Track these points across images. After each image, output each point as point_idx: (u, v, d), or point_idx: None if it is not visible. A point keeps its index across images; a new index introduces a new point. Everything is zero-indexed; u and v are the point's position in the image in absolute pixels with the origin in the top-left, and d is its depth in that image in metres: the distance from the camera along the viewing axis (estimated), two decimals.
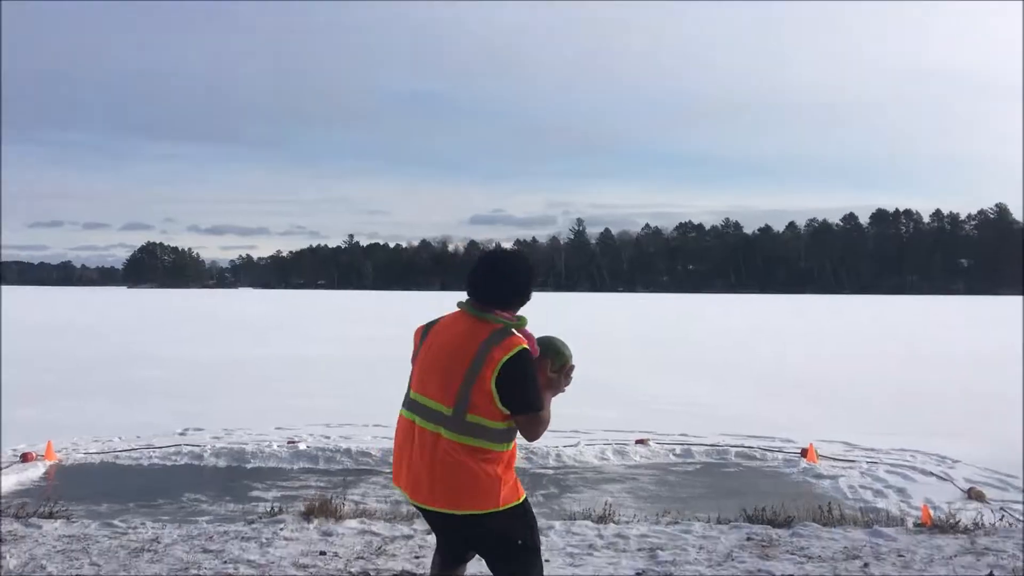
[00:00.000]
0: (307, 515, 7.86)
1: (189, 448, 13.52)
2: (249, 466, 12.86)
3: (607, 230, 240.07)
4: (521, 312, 4.73)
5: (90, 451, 13.71)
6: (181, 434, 15.53)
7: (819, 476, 12.47)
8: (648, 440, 14.29)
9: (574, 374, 4.86)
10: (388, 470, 12.71)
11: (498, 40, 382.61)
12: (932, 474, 12.66)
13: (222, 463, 13.01)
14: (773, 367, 28.42)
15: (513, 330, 4.41)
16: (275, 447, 13.50)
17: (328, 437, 15.24)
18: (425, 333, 4.59)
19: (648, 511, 10.12)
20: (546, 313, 74.70)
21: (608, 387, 22.35)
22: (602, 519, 8.08)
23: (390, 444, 15.12)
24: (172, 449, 13.51)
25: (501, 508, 4.29)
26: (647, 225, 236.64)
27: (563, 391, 4.75)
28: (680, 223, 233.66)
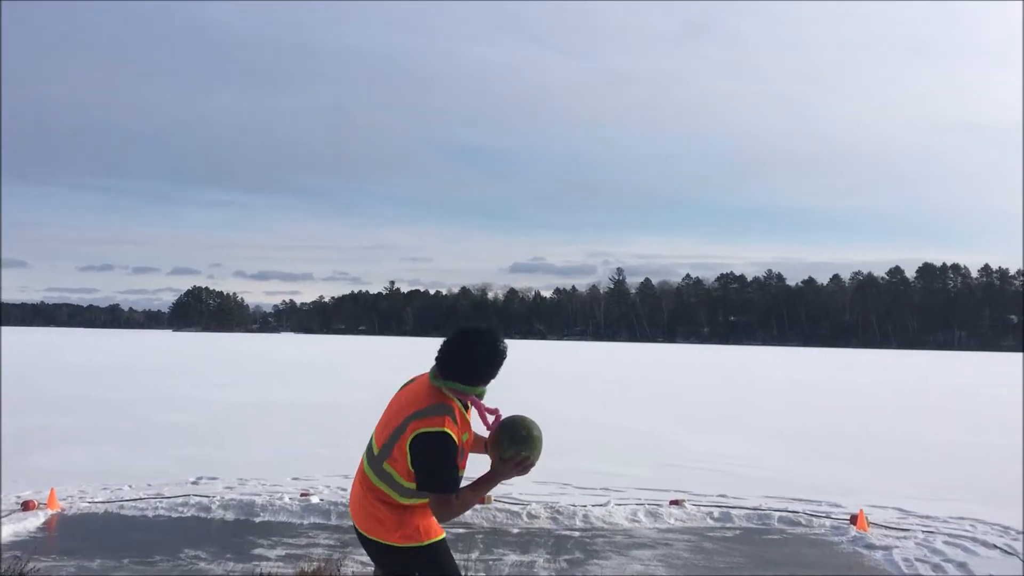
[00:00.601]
0: None
1: (197, 499, 12.85)
2: (258, 520, 12.14)
3: (647, 280, 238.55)
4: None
5: (96, 499, 13.10)
6: (193, 483, 14.90)
7: (870, 547, 11.42)
8: (684, 501, 13.34)
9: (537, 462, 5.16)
10: None
11: (543, 93, 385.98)
12: (995, 546, 11.55)
13: (230, 516, 12.30)
14: (819, 424, 27.16)
15: (454, 409, 4.70)
16: (287, 499, 12.78)
17: (344, 489, 14.49)
18: (403, 385, 5.13)
19: None
20: (583, 362, 73.69)
21: (642, 442, 21.41)
22: None
23: None
24: (180, 500, 12.85)
25: (401, 545, 4.80)
26: (688, 275, 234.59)
27: (508, 480, 5.13)
28: (722, 274, 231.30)
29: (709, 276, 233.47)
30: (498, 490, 14.92)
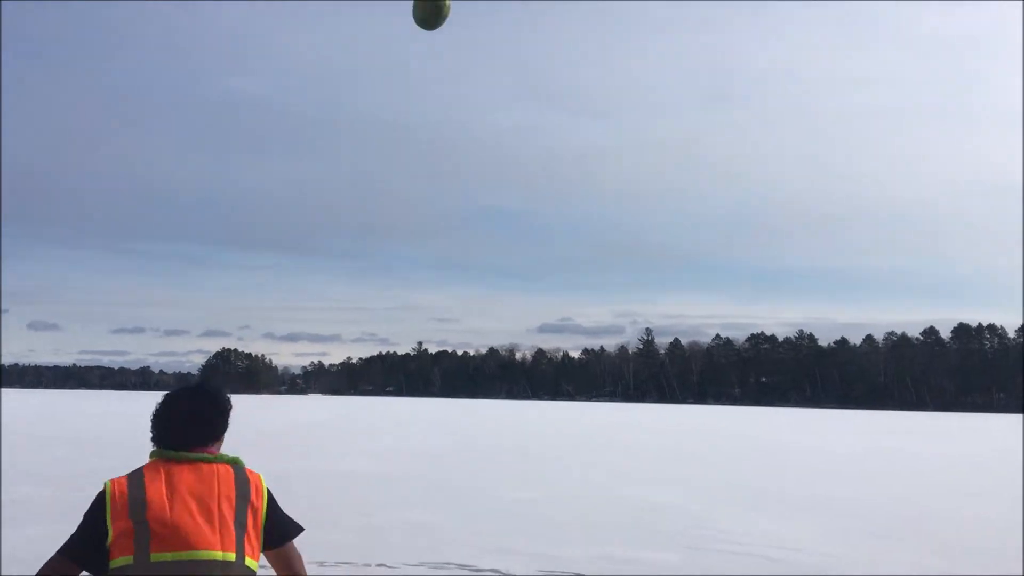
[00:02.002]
0: None
1: None
2: None
3: (676, 340, 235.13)
4: None
5: None
6: None
7: None
8: None
9: None
10: None
11: (570, 157, 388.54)
12: None
13: None
14: (868, 500, 24.62)
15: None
16: None
17: None
18: (139, 489, 3.62)
19: None
20: (608, 426, 71.24)
21: (670, 520, 19.12)
22: None
23: None
24: None
25: None
26: (717, 335, 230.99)
27: None
28: (752, 334, 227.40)
29: (739, 336, 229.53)
30: (495, 560, 12.75)
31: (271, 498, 3.88)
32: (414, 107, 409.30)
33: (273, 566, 3.98)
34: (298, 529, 3.99)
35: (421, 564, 13.81)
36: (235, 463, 3.89)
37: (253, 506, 3.74)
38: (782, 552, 15.52)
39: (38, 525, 16.14)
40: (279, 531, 3.88)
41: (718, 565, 14.11)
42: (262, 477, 3.94)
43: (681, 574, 13.20)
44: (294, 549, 3.97)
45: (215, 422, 4.01)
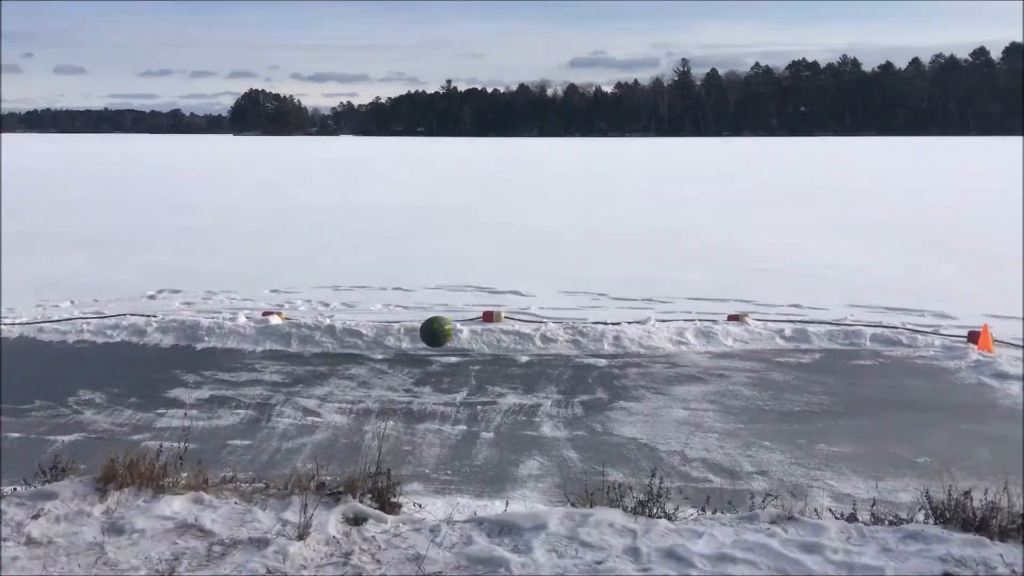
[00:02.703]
0: (103, 484, 4.34)
1: (133, 320, 10.31)
2: (199, 347, 9.58)
3: (714, 71, 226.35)
4: None
5: (19, 320, 10.68)
6: (151, 296, 12.45)
7: (1002, 376, 8.41)
8: (746, 316, 10.37)
9: None
10: (377, 355, 9.27)
11: None
12: None
13: (167, 341, 9.76)
14: (911, 219, 23.56)
15: None
16: (242, 320, 10.16)
17: (327, 305, 11.89)
18: None
19: (734, 466, 6.40)
20: (640, 158, 69.70)
21: (700, 242, 18.27)
22: (642, 508, 4.18)
23: (393, 317, 11.71)
24: (112, 321, 10.33)
25: None
26: (757, 64, 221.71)
27: None
28: (792, 61, 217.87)
29: (779, 65, 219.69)
30: (512, 302, 12.14)
31: None
32: None
33: None
34: None
35: (439, 287, 13.22)
36: None
37: None
38: (823, 271, 14.72)
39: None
40: None
41: (749, 285, 13.36)
42: None
43: (707, 297, 12.46)
44: None
45: None
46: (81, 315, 10.86)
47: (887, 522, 3.98)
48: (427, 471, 5.97)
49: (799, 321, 10.38)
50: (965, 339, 9.55)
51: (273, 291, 12.80)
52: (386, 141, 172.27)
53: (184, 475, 4.43)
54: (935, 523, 3.95)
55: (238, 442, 6.57)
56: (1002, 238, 18.79)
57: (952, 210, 25.53)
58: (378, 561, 3.55)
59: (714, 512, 4.06)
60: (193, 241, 18.31)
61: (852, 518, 4.02)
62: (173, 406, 7.50)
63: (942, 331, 10.11)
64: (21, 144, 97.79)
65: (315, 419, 7.10)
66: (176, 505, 4.00)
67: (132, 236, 19.05)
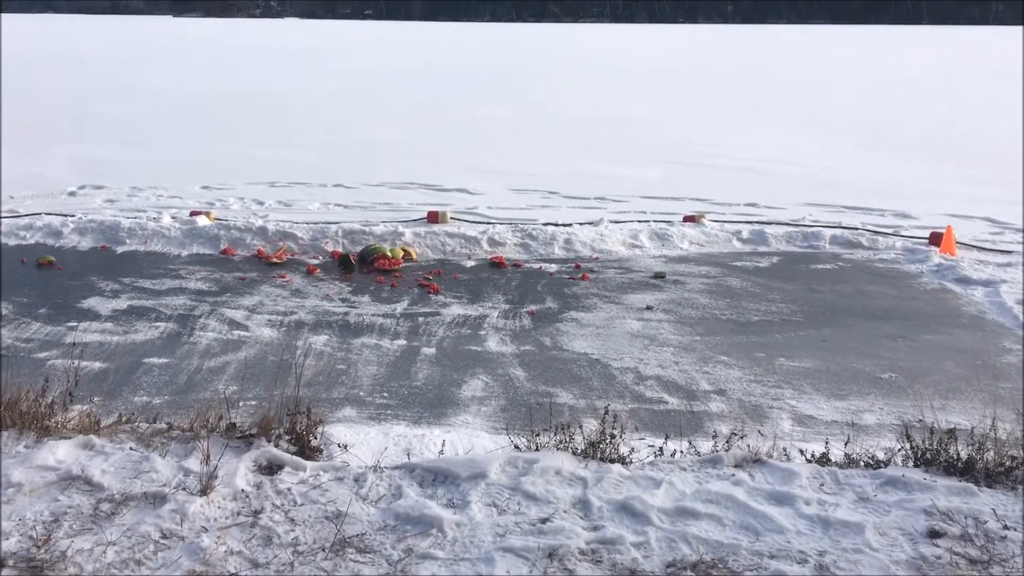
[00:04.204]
0: None
1: (48, 220, 9.54)
2: (120, 250, 8.89)
3: None
4: None
5: None
6: (71, 193, 11.62)
7: (965, 281, 8.12)
8: (703, 217, 9.92)
9: None
10: (311, 260, 8.68)
11: None
12: None
13: (85, 243, 9.05)
14: (870, 112, 23.14)
15: None
16: (166, 221, 9.45)
17: (261, 203, 11.18)
18: None
19: (690, 384, 6.02)
20: (596, 47, 68.08)
21: (654, 136, 17.69)
22: (593, 451, 3.75)
23: (331, 218, 10.84)
24: (25, 221, 9.55)
25: None
26: None
27: None
28: None
29: None
30: (459, 200, 11.54)
31: None
32: None
33: None
34: None
35: (382, 184, 12.54)
36: None
37: None
38: (779, 167, 14.31)
39: None
40: None
41: (705, 181, 12.91)
42: None
43: (662, 195, 12.00)
44: None
45: None
46: None
47: (862, 464, 3.61)
48: (362, 393, 5.50)
49: (757, 222, 9.98)
50: (927, 241, 9.24)
51: (204, 187, 12.03)
52: (332, 24, 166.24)
53: (75, 412, 3.88)
54: (915, 465, 3.59)
55: (155, 360, 6.01)
56: (963, 133, 18.49)
57: (909, 104, 25.16)
58: (292, 520, 3.09)
59: (673, 454, 3.65)
60: (123, 132, 17.23)
61: (824, 460, 3.64)
62: (87, 318, 6.87)
63: (903, 232, 9.80)
64: None
65: (242, 333, 6.55)
66: (61, 452, 3.48)
67: (57, 126, 17.88)
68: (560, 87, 29.95)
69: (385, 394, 5.50)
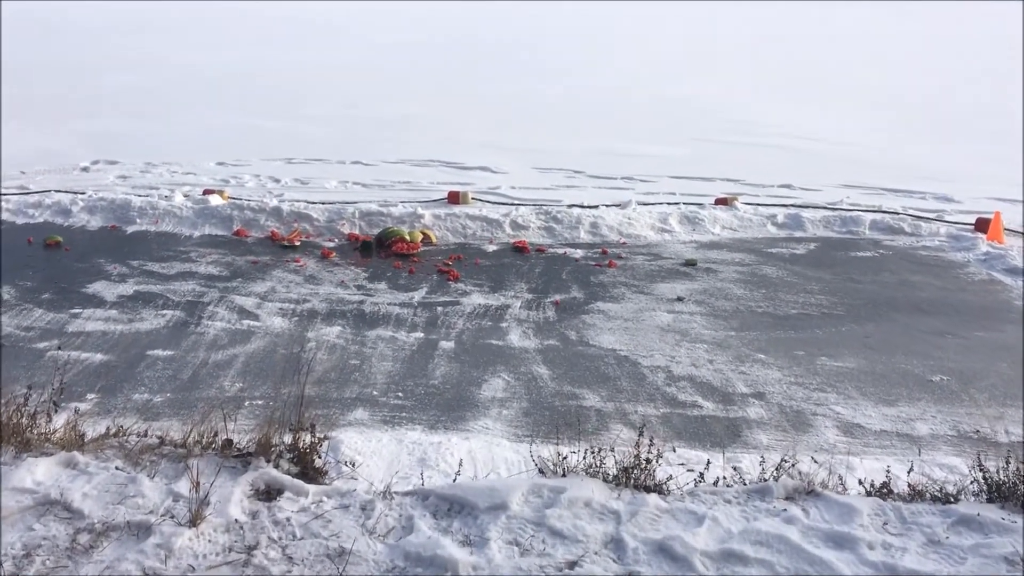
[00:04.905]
0: None
1: (59, 197, 9.25)
2: (130, 230, 8.59)
3: None
4: None
5: None
6: (84, 169, 11.33)
7: (1014, 271, 7.67)
8: (735, 199, 9.48)
9: None
10: (327, 243, 8.34)
11: None
12: None
13: (95, 223, 8.76)
14: (910, 89, 22.45)
15: None
16: (178, 200, 9.13)
17: (278, 180, 10.84)
18: None
19: (726, 386, 5.64)
20: (618, 18, 67.11)
21: (680, 110, 17.17)
22: (627, 477, 3.35)
23: (349, 197, 10.38)
24: (34, 199, 9.27)
25: None
26: None
27: None
28: None
29: None
30: (481, 180, 11.14)
31: None
32: None
33: None
34: None
35: (402, 161, 12.17)
36: None
37: None
38: (815, 145, 13.80)
39: None
40: None
41: (736, 159, 12.44)
42: None
43: (691, 175, 11.55)
44: None
45: None
46: (4, 190, 9.76)
47: (929, 496, 3.23)
48: (375, 393, 5.16)
49: (792, 205, 9.52)
50: (972, 227, 8.77)
51: (219, 164, 11.71)
52: None
53: (62, 421, 3.56)
54: (988, 500, 3.20)
55: (159, 352, 5.70)
56: (1009, 112, 17.82)
57: (954, 81, 24.39)
58: (289, 559, 2.75)
59: (716, 482, 3.27)
60: (139, 105, 16.92)
61: (886, 491, 3.26)
62: (91, 304, 6.58)
63: (946, 217, 9.32)
64: None
65: (252, 323, 6.23)
66: (41, 471, 3.16)
67: (74, 99, 17.60)
68: (588, 62, 29.34)
69: (400, 394, 5.16)
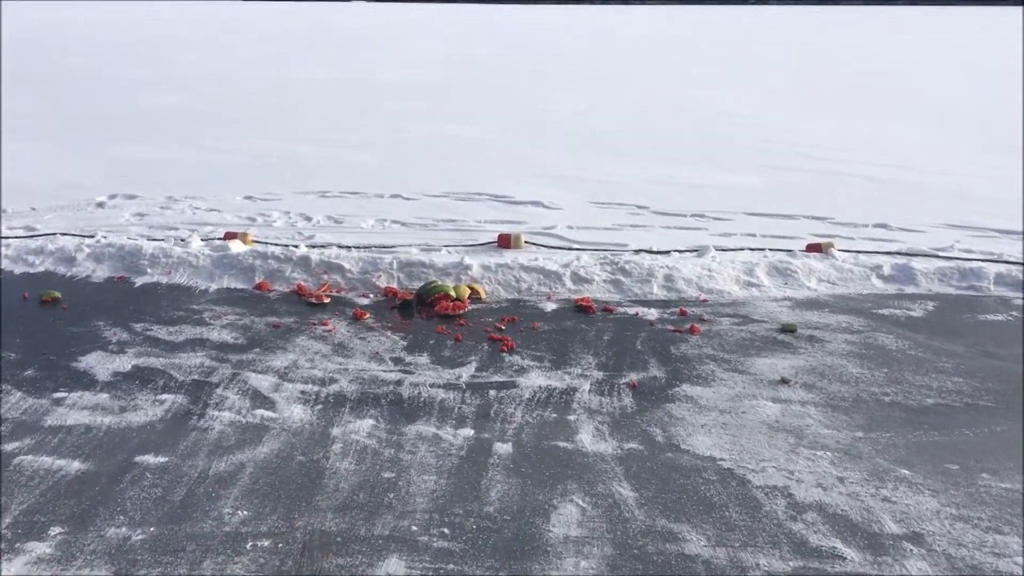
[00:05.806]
0: None
1: (63, 242, 8.28)
2: (139, 281, 7.57)
3: None
4: None
5: None
6: (100, 204, 10.38)
7: None
8: (830, 245, 8.22)
9: None
10: (360, 299, 7.23)
11: None
12: None
13: (100, 273, 7.76)
14: (995, 109, 20.95)
15: None
16: (195, 245, 8.11)
17: (309, 219, 9.77)
18: None
19: (869, 521, 4.41)
20: (661, 29, 66.01)
21: (746, 132, 15.89)
22: None
23: (386, 240, 9.31)
24: (37, 243, 8.30)
25: None
26: None
27: None
28: None
29: None
30: (534, 218, 9.98)
31: None
32: None
33: None
34: None
35: (446, 195, 11.08)
36: None
37: None
38: (893, 171, 12.49)
39: None
40: None
41: (819, 189, 11.18)
42: None
43: (771, 211, 10.32)
44: None
45: None
46: (7, 231, 8.82)
47: None
48: (415, 528, 4.02)
49: (898, 253, 8.24)
50: None
51: (247, 198, 10.70)
52: (400, 8, 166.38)
53: None
54: None
55: (150, 459, 4.62)
56: None
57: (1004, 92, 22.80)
58: None
59: None
60: (169, 127, 16.07)
61: None
62: (80, 384, 5.53)
63: None
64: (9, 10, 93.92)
65: (266, 414, 5.14)
66: None
67: (98, 122, 16.80)
68: (634, 73, 28.13)
69: (445, 530, 4.00)
